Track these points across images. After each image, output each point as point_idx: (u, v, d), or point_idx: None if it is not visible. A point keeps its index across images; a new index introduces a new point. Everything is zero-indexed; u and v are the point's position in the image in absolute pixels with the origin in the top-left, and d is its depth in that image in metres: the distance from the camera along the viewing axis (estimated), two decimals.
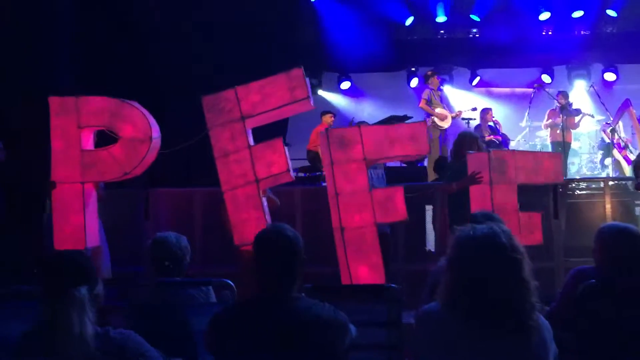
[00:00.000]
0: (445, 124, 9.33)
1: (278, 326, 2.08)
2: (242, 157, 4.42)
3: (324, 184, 7.74)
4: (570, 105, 9.21)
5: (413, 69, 11.16)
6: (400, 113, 8.06)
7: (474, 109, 9.69)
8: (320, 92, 11.06)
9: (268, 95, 4.41)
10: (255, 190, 4.41)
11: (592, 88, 10.20)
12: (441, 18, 10.82)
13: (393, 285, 2.97)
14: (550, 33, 11.16)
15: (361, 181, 4.46)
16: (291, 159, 9.95)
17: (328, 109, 9.85)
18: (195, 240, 5.81)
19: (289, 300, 2.15)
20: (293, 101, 4.38)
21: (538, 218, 4.75)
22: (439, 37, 11.30)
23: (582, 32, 11.16)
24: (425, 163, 8.25)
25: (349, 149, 4.46)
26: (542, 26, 11.04)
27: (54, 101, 4.47)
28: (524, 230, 4.60)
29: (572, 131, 9.11)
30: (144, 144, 4.41)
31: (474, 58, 11.25)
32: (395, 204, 4.46)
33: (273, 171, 4.39)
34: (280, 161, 4.39)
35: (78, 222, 4.42)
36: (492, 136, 8.96)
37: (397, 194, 4.48)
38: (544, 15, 10.67)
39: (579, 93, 10.88)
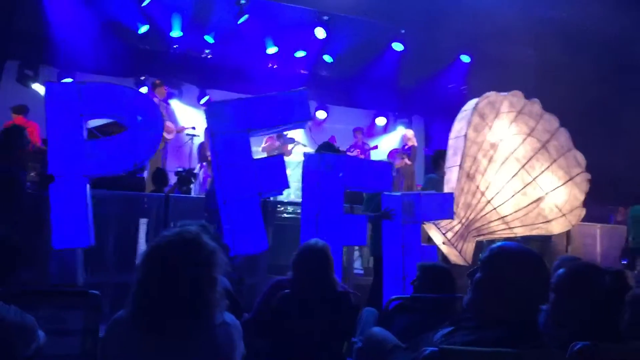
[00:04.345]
0: (170, 136, 9.35)
1: None
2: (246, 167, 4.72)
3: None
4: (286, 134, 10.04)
5: (142, 77, 10.87)
6: None
7: (194, 128, 10.00)
8: (35, 86, 9.97)
9: (273, 112, 4.81)
10: (258, 203, 4.70)
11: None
12: (176, 33, 10.83)
13: (93, 291, 2.82)
14: (275, 67, 12.04)
15: None
16: None
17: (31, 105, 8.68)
18: None
19: None
20: (295, 121, 4.96)
21: (434, 251, 5.58)
22: (172, 51, 11.27)
23: (302, 71, 12.31)
24: (145, 174, 8.06)
25: None
26: (269, 59, 11.86)
27: (52, 87, 4.22)
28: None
29: (285, 158, 9.88)
30: (156, 134, 4.38)
31: (204, 77, 11.50)
32: None
33: (275, 187, 4.84)
34: (283, 179, 4.87)
35: (82, 218, 4.16)
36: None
37: None
38: (272, 50, 11.50)
39: None
